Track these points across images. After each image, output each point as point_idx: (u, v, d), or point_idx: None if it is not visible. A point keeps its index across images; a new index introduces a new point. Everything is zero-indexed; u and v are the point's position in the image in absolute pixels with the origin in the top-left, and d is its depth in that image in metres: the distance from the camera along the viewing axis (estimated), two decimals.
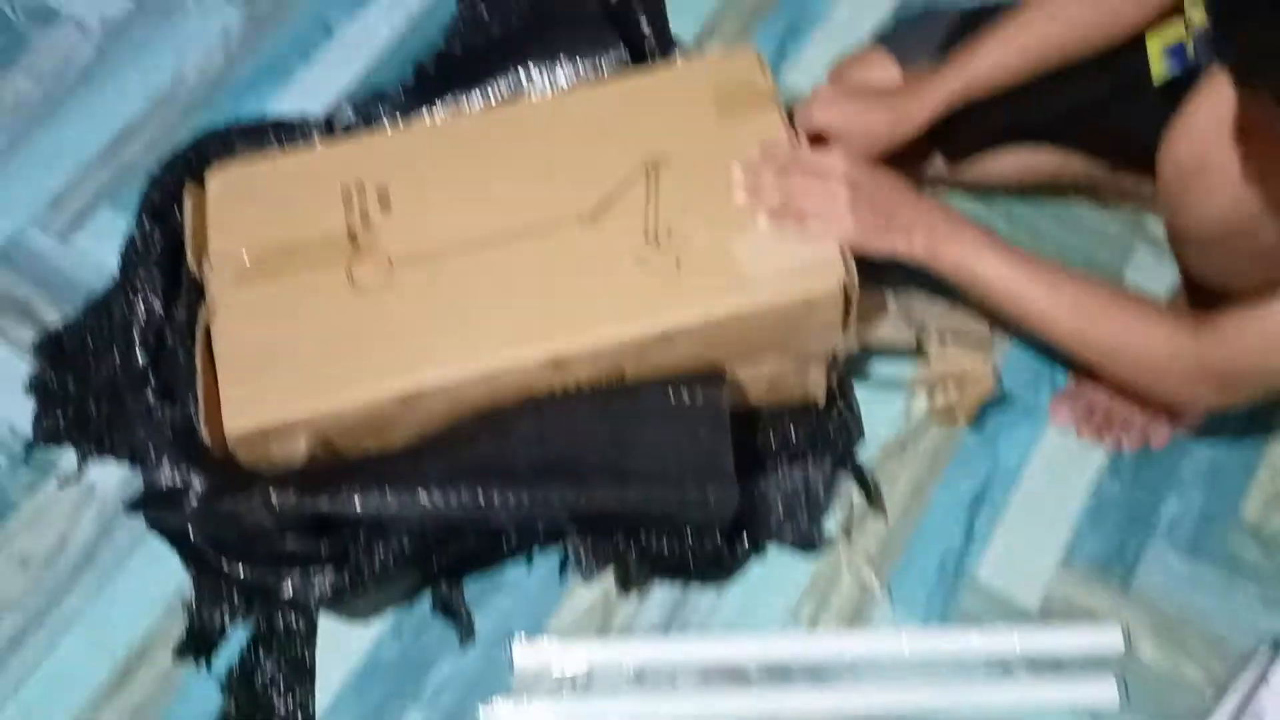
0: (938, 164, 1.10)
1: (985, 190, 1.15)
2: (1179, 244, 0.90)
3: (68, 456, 1.06)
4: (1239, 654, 0.93)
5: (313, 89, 1.27)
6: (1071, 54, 0.95)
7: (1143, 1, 0.93)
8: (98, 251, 1.17)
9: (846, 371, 1.04)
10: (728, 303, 0.89)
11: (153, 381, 0.99)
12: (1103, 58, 0.96)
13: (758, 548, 0.98)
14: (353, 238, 0.95)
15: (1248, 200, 0.78)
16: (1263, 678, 0.89)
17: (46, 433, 1.06)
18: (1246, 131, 0.76)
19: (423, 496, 0.87)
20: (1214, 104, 0.78)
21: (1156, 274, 1.11)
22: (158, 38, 1.32)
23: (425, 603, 0.98)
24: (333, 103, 1.25)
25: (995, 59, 0.95)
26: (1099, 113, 0.97)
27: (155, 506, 0.91)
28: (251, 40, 1.31)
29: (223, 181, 1.01)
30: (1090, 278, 0.92)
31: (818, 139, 0.99)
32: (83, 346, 1.09)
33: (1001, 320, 1.00)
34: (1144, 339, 0.88)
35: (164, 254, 1.03)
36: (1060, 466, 1.04)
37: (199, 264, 0.97)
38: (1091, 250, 1.14)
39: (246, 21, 1.33)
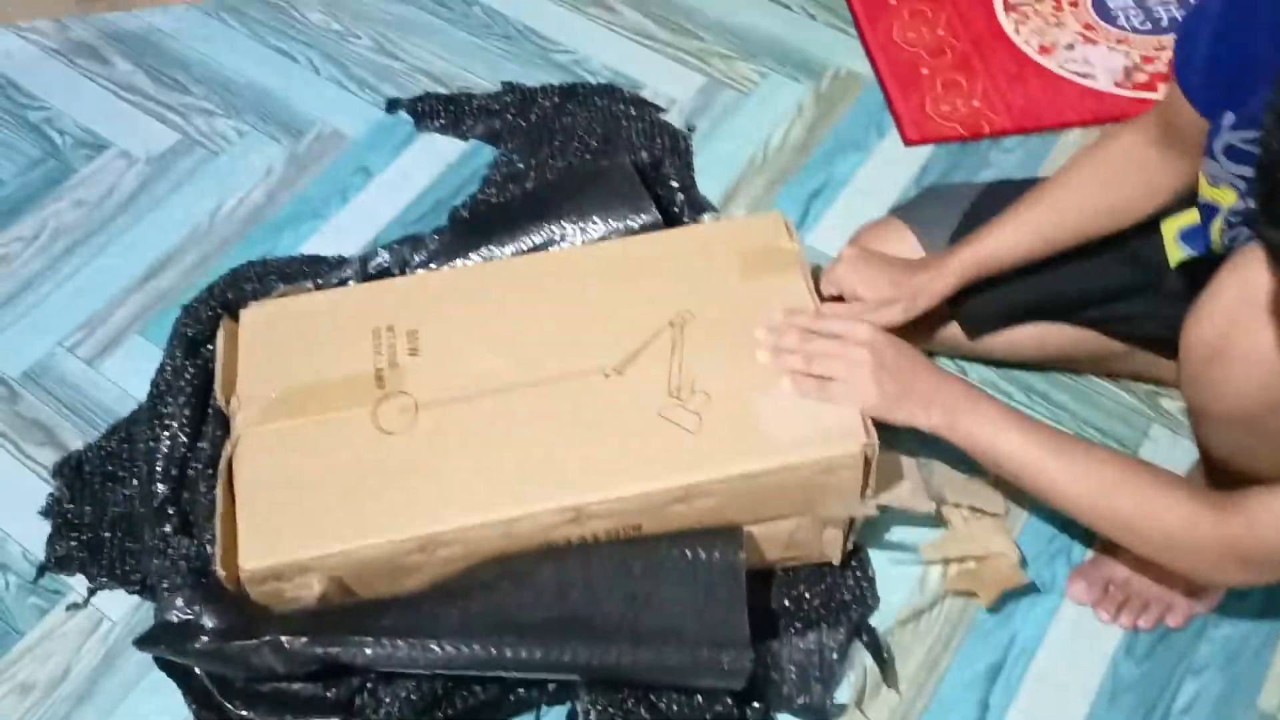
0: (956, 336, 1.12)
1: (1001, 363, 1.17)
2: (1201, 423, 0.91)
3: (78, 583, 1.06)
4: None
5: (348, 229, 1.30)
6: (1083, 236, 0.98)
7: (1153, 191, 0.96)
8: (125, 379, 1.18)
9: (862, 535, 1.04)
10: (748, 462, 0.90)
11: (171, 513, 0.99)
12: (1118, 242, 0.99)
13: (768, 717, 0.96)
14: (380, 380, 0.97)
15: (1275, 383, 0.79)
16: None
17: (59, 558, 1.05)
18: (1277, 313, 0.77)
19: (435, 647, 0.86)
20: (1241, 284, 0.79)
21: (1173, 452, 1.12)
22: (201, 171, 1.36)
23: None
24: (368, 244, 1.28)
25: (1010, 238, 0.98)
26: (1114, 297, 1.00)
27: (164, 641, 0.90)
28: (292, 178, 1.36)
29: (256, 318, 1.03)
30: (1111, 451, 0.93)
31: (839, 300, 1.02)
32: (103, 473, 1.09)
33: (1020, 491, 1.01)
34: (1165, 516, 0.87)
35: (193, 386, 1.04)
36: (1077, 645, 1.02)
37: (227, 399, 0.98)
38: (1108, 425, 1.15)
39: (289, 160, 1.37)
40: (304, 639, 0.86)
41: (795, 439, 0.90)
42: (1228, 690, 1.00)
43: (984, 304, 1.06)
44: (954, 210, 1.07)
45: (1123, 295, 1.00)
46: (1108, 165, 0.97)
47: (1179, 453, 1.11)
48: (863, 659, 1.00)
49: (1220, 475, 0.94)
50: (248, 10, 1.54)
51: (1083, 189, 0.98)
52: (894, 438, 0.92)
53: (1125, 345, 1.10)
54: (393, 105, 1.42)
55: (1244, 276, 0.79)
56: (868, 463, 0.91)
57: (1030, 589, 1.05)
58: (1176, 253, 0.98)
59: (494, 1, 1.55)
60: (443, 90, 1.43)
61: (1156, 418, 1.16)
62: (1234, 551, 0.85)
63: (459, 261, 1.11)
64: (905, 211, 1.13)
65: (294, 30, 1.52)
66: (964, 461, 1.01)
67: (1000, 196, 1.04)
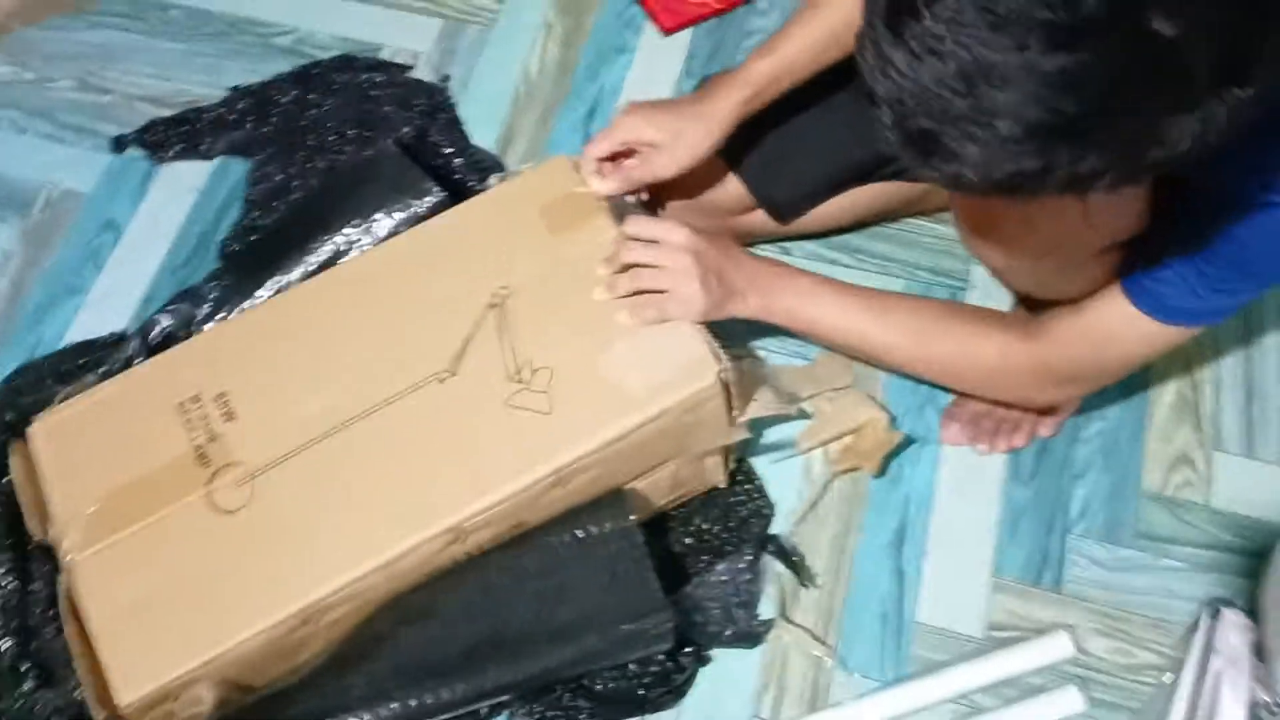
0: (769, 222, 1.10)
1: (820, 234, 1.16)
2: (993, 273, 0.93)
3: None
4: (1183, 626, 0.95)
5: (114, 295, 1.18)
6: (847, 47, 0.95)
7: None
8: None
9: (739, 448, 1.03)
10: (610, 427, 0.87)
11: (24, 669, 0.90)
12: None
13: (702, 659, 0.95)
14: (202, 458, 0.89)
15: (1030, 248, 0.83)
16: (1210, 646, 0.91)
17: None
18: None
19: None
20: None
21: None
22: None
23: None
24: (140, 306, 1.17)
25: (786, 50, 0.94)
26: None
27: None
28: (34, 257, 1.22)
29: (46, 432, 0.93)
30: (924, 300, 0.98)
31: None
32: None
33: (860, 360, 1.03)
34: (979, 351, 0.92)
35: (1, 525, 0.94)
36: (966, 484, 1.04)
37: (43, 529, 0.89)
38: (935, 262, 1.16)
39: (24, 238, 1.23)
40: None
41: (650, 388, 0.87)
42: (1115, 484, 1.04)
43: (786, 190, 1.05)
44: None
45: None
46: None
47: None
48: (775, 568, 1.00)
49: (1032, 303, 0.98)
50: None
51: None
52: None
53: (930, 183, 1.10)
54: (119, 144, 1.28)
55: None
56: (727, 388, 0.88)
57: (909, 445, 1.06)
58: None
59: (192, 0, 1.41)
60: (167, 112, 1.30)
61: None
62: (1049, 372, 0.91)
63: (246, 303, 1.02)
64: None
65: None
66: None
67: None
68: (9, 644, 0.91)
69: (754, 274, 0.92)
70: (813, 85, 0.99)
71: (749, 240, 1.13)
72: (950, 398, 1.08)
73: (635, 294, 0.89)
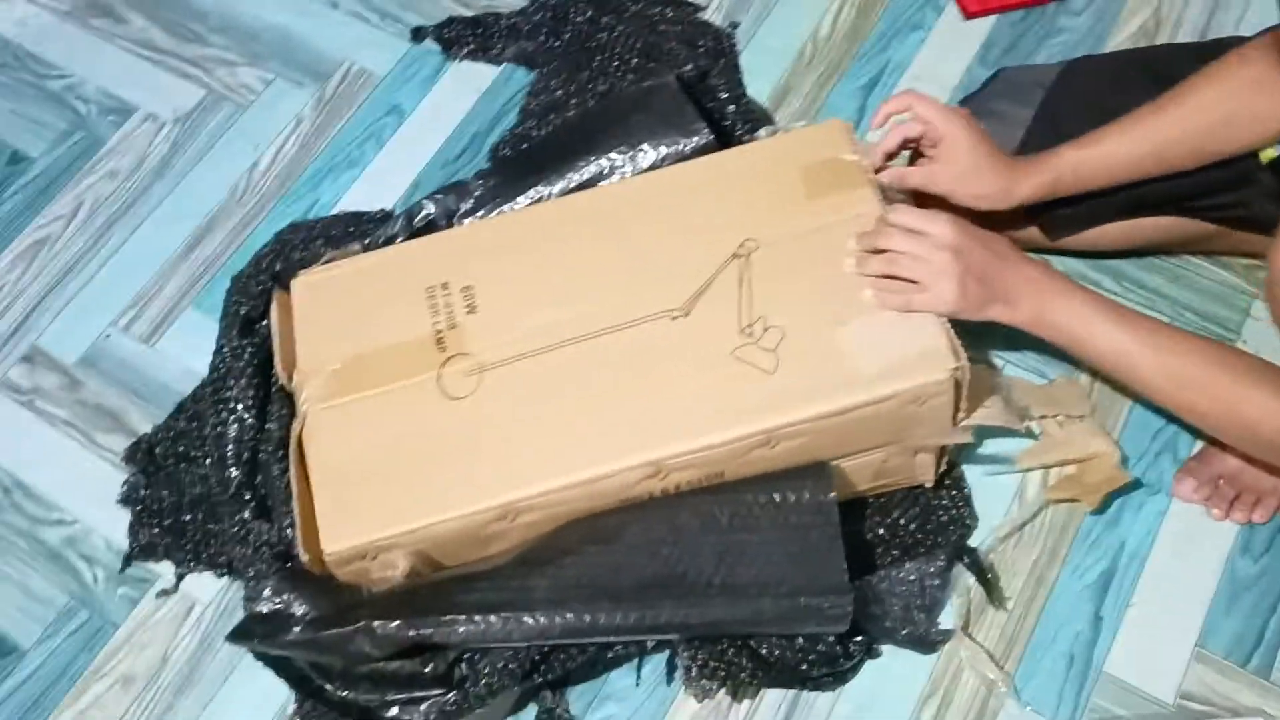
0: (1033, 236, 1.05)
1: (1086, 254, 1.10)
2: None
3: (165, 568, 1.05)
4: None
5: (387, 174, 1.25)
6: (1200, 157, 0.91)
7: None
8: (183, 355, 1.16)
9: (954, 452, 0.99)
10: (831, 400, 0.85)
11: (247, 498, 0.97)
12: None
13: (872, 651, 0.94)
14: (440, 343, 0.93)
15: None
16: None
17: (142, 546, 1.05)
18: None
19: (528, 620, 0.85)
20: None
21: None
22: (230, 127, 1.31)
23: (531, 713, 0.95)
24: (409, 187, 1.23)
25: (1124, 147, 0.91)
26: (1204, 193, 0.94)
27: (256, 634, 0.89)
28: (324, 126, 1.30)
29: (307, 288, 1.00)
30: (1203, 339, 0.89)
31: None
32: (175, 454, 1.08)
33: (1120, 387, 0.97)
34: (1246, 408, 0.84)
35: (253, 366, 1.02)
36: (1189, 546, 0.98)
37: (288, 375, 0.96)
38: (1206, 307, 1.08)
39: (318, 106, 1.32)
40: (396, 623, 0.85)
41: (880, 370, 0.85)
42: None
43: (1068, 207, 0.98)
44: (1027, 103, 1.00)
45: (1213, 191, 0.93)
46: (1236, 85, 0.89)
47: None
48: (966, 581, 0.97)
49: None
50: None
51: (1207, 110, 0.89)
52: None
53: (1219, 227, 1.03)
54: (417, 34, 1.35)
55: None
56: (958, 386, 0.86)
57: (1136, 491, 1.01)
58: (1269, 151, 0.91)
59: None
60: (467, 12, 1.36)
61: (1259, 293, 1.08)
62: None
63: (506, 206, 1.06)
64: (975, 103, 1.05)
65: None
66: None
67: (1075, 85, 0.97)
68: (237, 473, 0.99)
69: (1027, 282, 0.87)
70: (1114, 93, 0.94)
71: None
72: (1191, 450, 1.01)
73: (886, 278, 0.87)
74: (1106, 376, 0.95)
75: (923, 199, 0.95)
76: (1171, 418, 1.00)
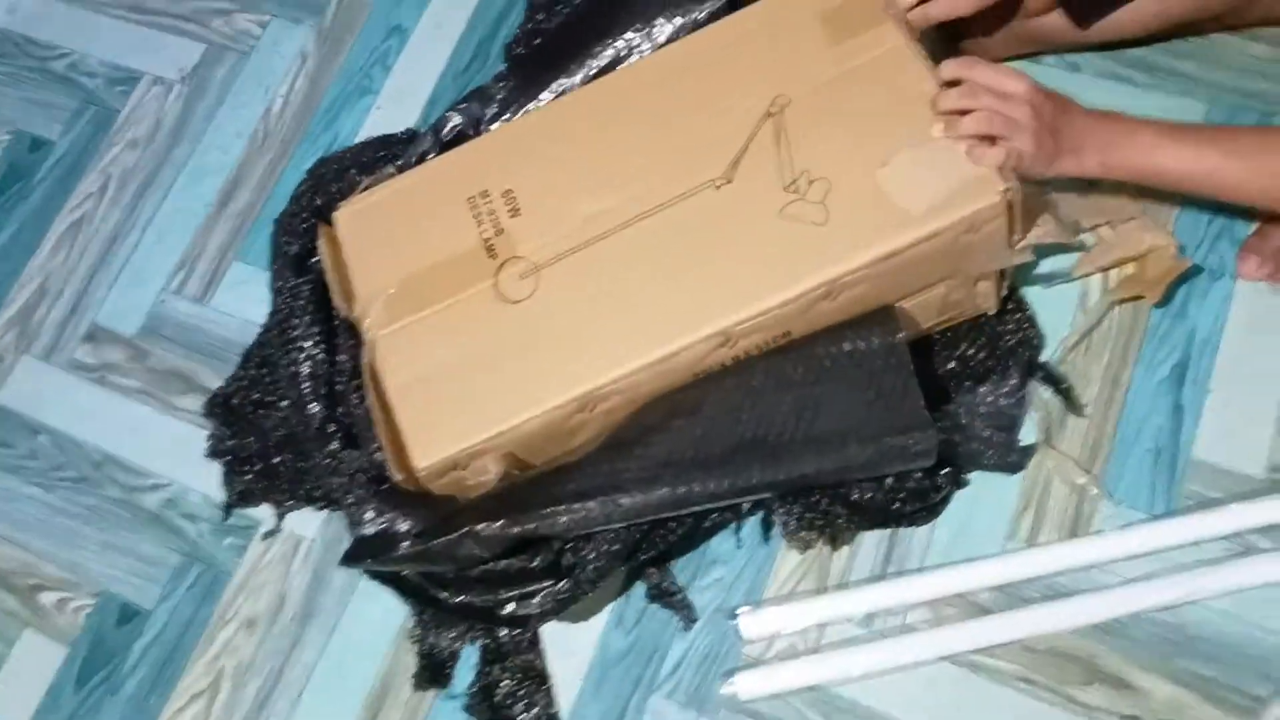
0: (1062, 29, 1.03)
1: (1115, 45, 1.08)
2: None
3: (264, 512, 1.09)
4: None
5: (403, 94, 1.25)
6: None
7: None
8: (239, 307, 1.18)
9: (1012, 275, 0.99)
10: (886, 241, 0.85)
11: (332, 431, 1.00)
12: None
13: (960, 481, 0.95)
14: (490, 250, 0.94)
15: None
16: None
17: (239, 494, 1.08)
18: None
19: (625, 500, 0.87)
20: None
21: None
22: (238, 76, 1.31)
23: (640, 591, 0.99)
24: (425, 105, 1.23)
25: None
26: None
27: (367, 554, 0.92)
28: (329, 58, 1.29)
29: (350, 217, 1.00)
30: (1267, 129, 0.87)
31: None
32: (252, 401, 1.11)
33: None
34: None
35: (313, 303, 1.03)
36: (1260, 323, 0.98)
37: (348, 306, 0.97)
38: (1244, 83, 1.06)
39: (320, 39, 1.31)
40: (499, 523, 0.87)
41: (931, 204, 0.85)
42: None
43: None
44: None
45: None
46: None
47: None
48: (1042, 396, 0.98)
49: None
50: None
51: None
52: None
53: None
54: None
55: None
56: (1011, 208, 0.85)
57: (1199, 278, 1.01)
58: None
59: None
60: None
61: None
62: None
63: (530, 105, 1.05)
64: None
65: None
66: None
67: None
68: (317, 408, 1.01)
69: (1091, 130, 0.87)
70: None
71: (1038, 49, 1.07)
72: (1248, 229, 1.01)
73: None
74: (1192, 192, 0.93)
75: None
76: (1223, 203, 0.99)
